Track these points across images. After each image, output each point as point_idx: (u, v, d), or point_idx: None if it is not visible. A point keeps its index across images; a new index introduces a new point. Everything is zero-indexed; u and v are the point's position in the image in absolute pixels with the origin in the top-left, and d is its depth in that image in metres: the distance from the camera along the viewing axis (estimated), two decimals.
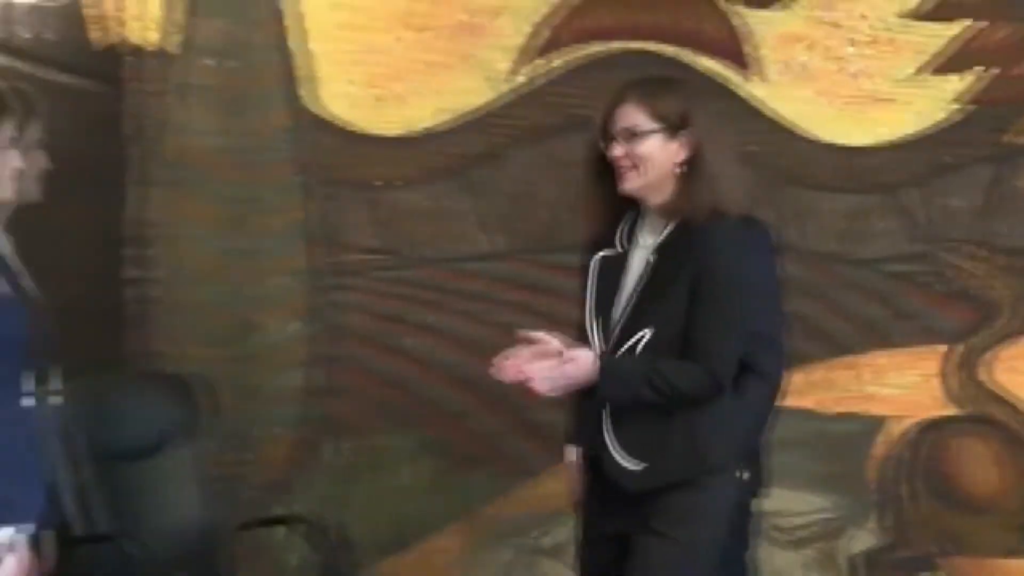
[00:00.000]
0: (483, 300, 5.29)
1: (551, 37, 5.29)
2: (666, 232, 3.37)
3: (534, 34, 5.27)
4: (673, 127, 3.35)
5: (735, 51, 5.24)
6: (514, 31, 5.25)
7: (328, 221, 5.28)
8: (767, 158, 5.07)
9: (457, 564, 5.25)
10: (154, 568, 4.10)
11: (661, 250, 3.38)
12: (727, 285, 3.30)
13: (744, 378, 3.37)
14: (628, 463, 3.34)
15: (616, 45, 5.28)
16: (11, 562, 3.35)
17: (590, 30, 5.31)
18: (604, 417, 3.38)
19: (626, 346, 3.35)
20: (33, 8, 4.84)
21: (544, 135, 5.07)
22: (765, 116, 5.22)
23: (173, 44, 5.22)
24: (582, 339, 3.46)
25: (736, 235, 3.34)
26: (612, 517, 3.49)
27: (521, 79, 5.23)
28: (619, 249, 3.43)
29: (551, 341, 3.36)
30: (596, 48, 5.30)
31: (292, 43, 5.22)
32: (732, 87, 5.20)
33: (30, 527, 3.35)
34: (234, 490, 5.10)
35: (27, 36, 4.86)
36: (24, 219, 3.56)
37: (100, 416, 4.13)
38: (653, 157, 3.35)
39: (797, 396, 4.50)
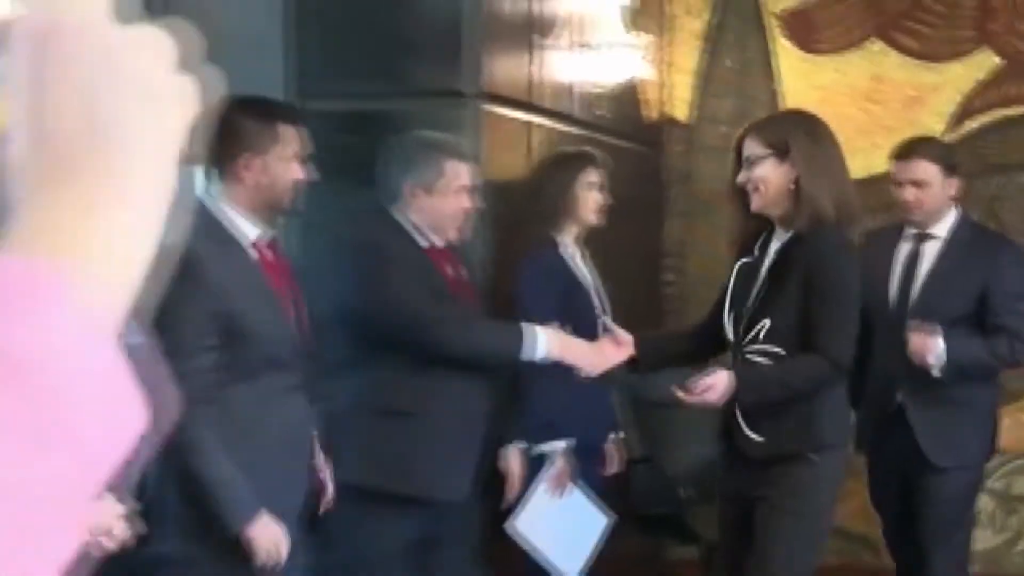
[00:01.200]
0: None
1: (976, 105, 5.79)
2: (786, 239, 3.49)
3: (963, 102, 5.78)
4: (781, 152, 3.45)
5: None
6: (948, 101, 5.80)
7: None
8: None
9: None
10: (672, 481, 4.81)
11: (779, 255, 3.51)
12: (834, 283, 3.43)
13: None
14: (752, 433, 3.46)
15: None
16: (559, 463, 3.92)
17: (1004, 97, 5.81)
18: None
19: (752, 334, 3.48)
20: (604, 94, 5.24)
21: (970, 176, 5.05)
22: None
23: (695, 117, 6.02)
24: (710, 333, 3.70)
25: (832, 240, 3.45)
26: (736, 481, 3.62)
27: (953, 136, 5.65)
28: (756, 255, 3.56)
29: (624, 335, 3.59)
30: (1009, 111, 5.82)
31: None
32: None
33: (571, 441, 3.92)
34: None
35: (600, 114, 5.25)
36: (593, 239, 4.23)
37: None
38: (767, 179, 3.46)
39: None
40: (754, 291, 3.51)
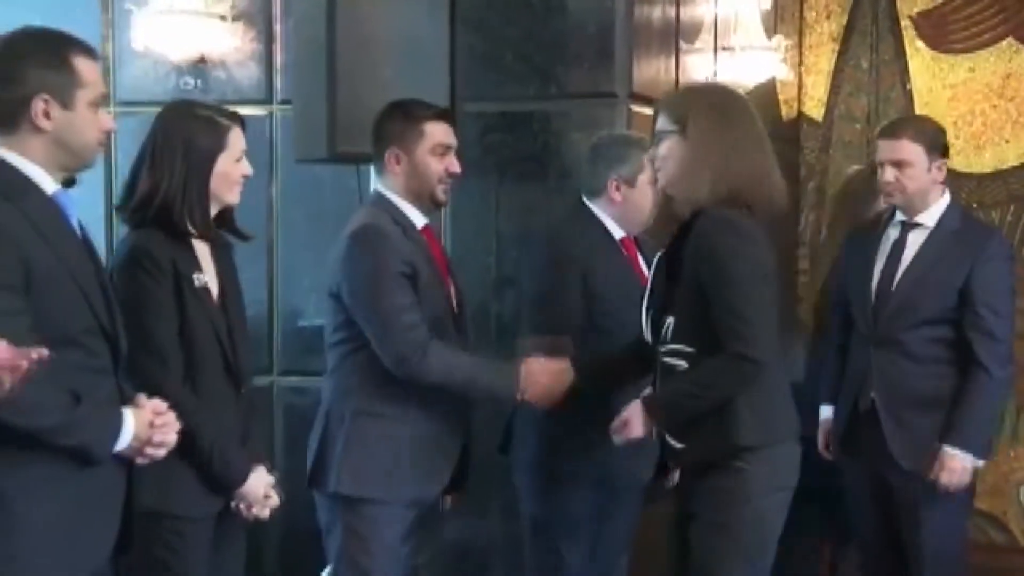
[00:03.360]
0: None
1: None
2: (682, 226, 3.06)
3: None
4: (683, 128, 3.00)
5: None
6: None
7: None
8: None
9: None
10: None
11: (673, 244, 3.09)
12: (726, 272, 2.92)
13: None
14: (673, 441, 3.04)
15: None
16: None
17: None
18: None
19: (662, 333, 3.06)
20: (745, 94, 4.46)
21: None
22: None
23: (830, 116, 6.03)
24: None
25: (719, 224, 2.95)
26: (676, 493, 3.22)
27: None
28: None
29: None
30: None
31: (918, 112, 5.75)
32: None
33: None
34: None
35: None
36: None
37: None
38: (668, 157, 3.04)
39: None
40: (660, 286, 3.11)
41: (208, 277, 3.01)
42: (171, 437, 2.66)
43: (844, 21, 6.01)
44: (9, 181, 2.51)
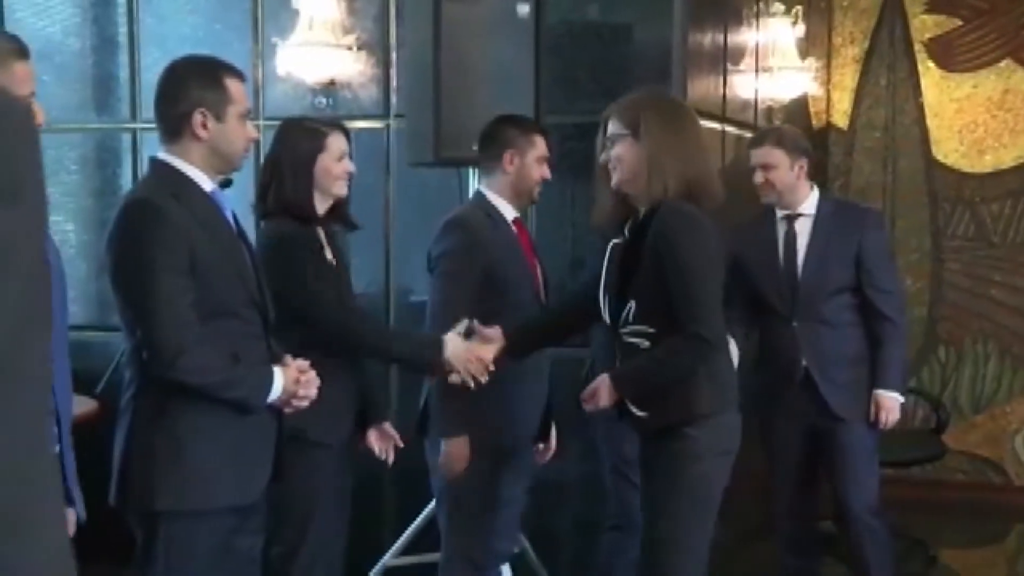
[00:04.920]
0: None
1: None
2: (640, 219, 2.88)
3: None
4: (636, 132, 2.83)
5: None
6: None
7: (936, 222, 5.87)
8: None
9: None
10: None
11: (632, 235, 2.89)
12: (681, 259, 2.77)
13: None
14: (636, 410, 2.85)
15: None
16: None
17: None
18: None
19: (623, 316, 2.85)
20: (779, 107, 5.16)
21: None
22: None
23: (853, 125, 6.00)
24: (582, 308, 3.03)
25: (675, 216, 2.79)
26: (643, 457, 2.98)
27: None
28: (626, 236, 2.91)
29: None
30: None
31: (928, 122, 5.84)
32: None
33: None
34: None
35: (777, 123, 4.96)
36: None
37: None
38: (622, 158, 2.86)
39: None
40: (619, 273, 2.91)
41: (328, 255, 3.07)
42: (312, 391, 2.68)
43: (866, 46, 5.98)
44: (177, 182, 2.58)
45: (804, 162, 3.73)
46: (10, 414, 0.71)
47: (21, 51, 2.37)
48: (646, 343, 2.83)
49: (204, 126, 2.58)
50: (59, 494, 0.79)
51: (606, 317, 2.92)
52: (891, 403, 3.68)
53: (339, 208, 3.13)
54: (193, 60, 2.69)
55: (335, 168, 3.04)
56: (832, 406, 3.67)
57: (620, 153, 2.85)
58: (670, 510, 2.81)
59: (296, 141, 3.05)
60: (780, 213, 3.76)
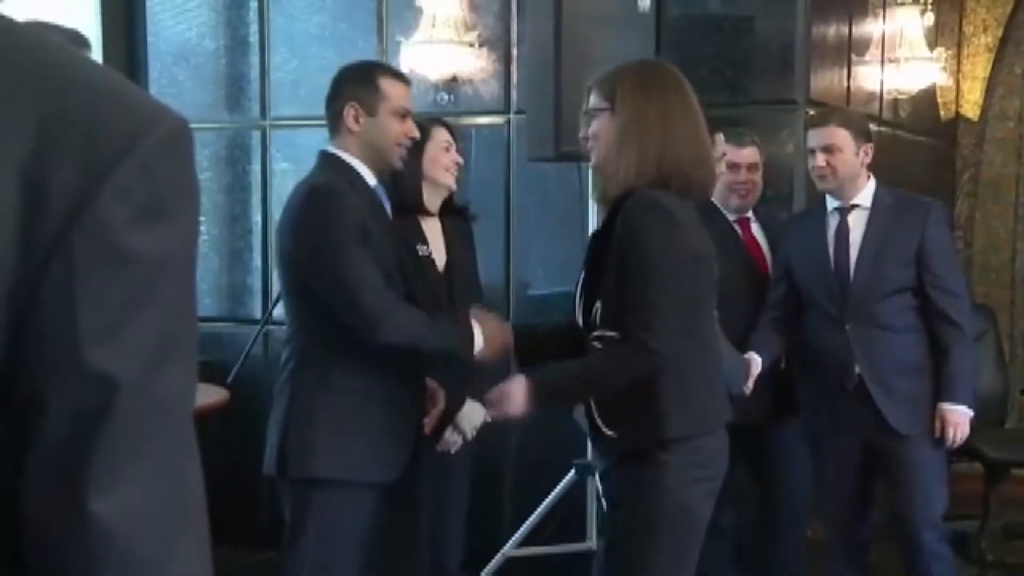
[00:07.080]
0: None
1: None
2: (610, 207, 2.49)
3: None
4: (613, 105, 2.45)
5: None
6: None
7: None
8: None
9: None
10: None
11: (602, 225, 2.51)
12: (640, 256, 2.36)
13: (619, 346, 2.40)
14: (605, 428, 2.45)
15: None
16: None
17: None
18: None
19: (591, 317, 2.45)
20: (906, 99, 5.08)
21: None
22: None
23: (985, 116, 5.87)
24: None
25: (640, 206, 2.38)
26: (604, 484, 2.71)
27: None
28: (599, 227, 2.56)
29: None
30: None
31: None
32: None
33: None
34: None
35: (904, 115, 5.16)
36: None
37: None
38: (598, 134, 2.49)
39: None
40: (588, 269, 2.54)
41: (433, 249, 3.12)
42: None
43: (1000, 34, 5.77)
44: (347, 171, 2.75)
45: (869, 148, 3.41)
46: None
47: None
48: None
49: (356, 120, 2.75)
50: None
51: (578, 318, 2.52)
52: (959, 418, 3.31)
53: (449, 201, 3.20)
54: (355, 63, 2.91)
55: (443, 158, 3.13)
56: (890, 420, 3.31)
57: (597, 130, 2.47)
58: (636, 546, 2.40)
59: None
60: (832, 204, 3.43)
